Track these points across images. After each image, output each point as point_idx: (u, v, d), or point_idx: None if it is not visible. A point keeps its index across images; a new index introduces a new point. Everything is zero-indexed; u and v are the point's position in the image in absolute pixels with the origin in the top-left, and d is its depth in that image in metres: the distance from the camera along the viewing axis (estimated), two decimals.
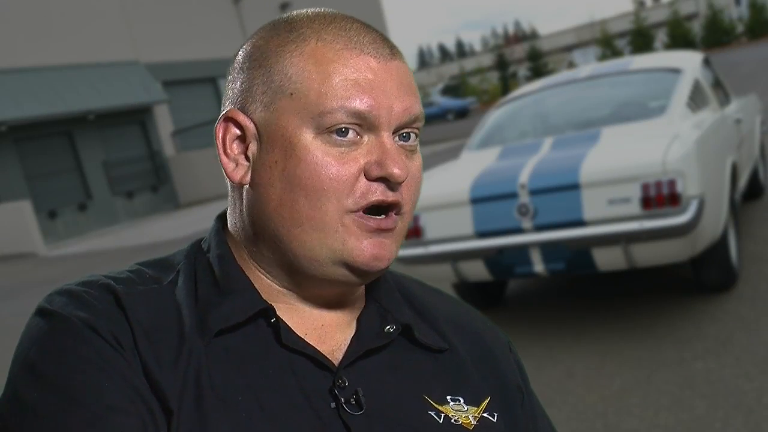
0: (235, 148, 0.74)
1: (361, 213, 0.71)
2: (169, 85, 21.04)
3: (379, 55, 0.72)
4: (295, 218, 0.70)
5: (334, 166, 0.69)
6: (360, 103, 0.69)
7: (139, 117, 20.45)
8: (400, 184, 0.71)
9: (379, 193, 0.70)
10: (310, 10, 0.76)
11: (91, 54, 19.04)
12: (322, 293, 0.76)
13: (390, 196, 0.71)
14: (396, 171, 0.70)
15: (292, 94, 0.71)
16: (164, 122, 21.29)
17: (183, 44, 21.59)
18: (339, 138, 0.70)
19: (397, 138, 0.73)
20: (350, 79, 0.70)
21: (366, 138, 0.71)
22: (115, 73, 19.33)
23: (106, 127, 19.31)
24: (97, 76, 18.83)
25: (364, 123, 0.70)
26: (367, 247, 0.71)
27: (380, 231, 0.71)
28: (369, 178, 0.70)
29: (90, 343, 0.64)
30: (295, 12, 0.76)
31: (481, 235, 3.96)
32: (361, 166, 0.70)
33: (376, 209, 0.71)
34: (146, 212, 19.99)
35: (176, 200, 21.10)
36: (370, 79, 0.71)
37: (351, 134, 0.70)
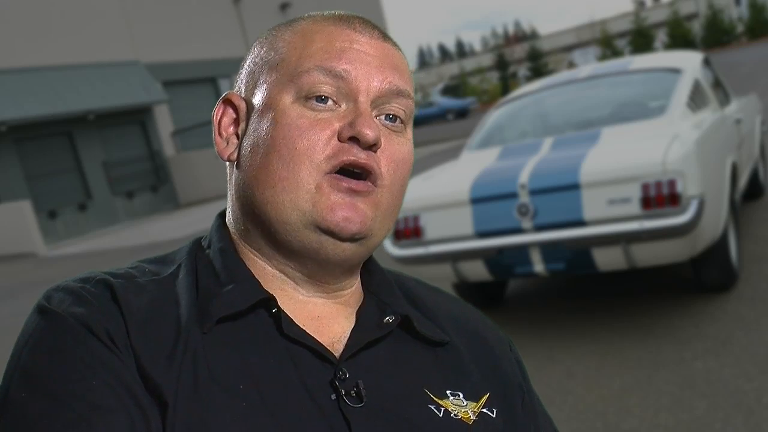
0: (231, 129, 0.77)
1: (334, 174, 0.71)
2: (169, 85, 21.03)
3: (366, 33, 0.74)
4: (268, 180, 0.71)
5: (307, 127, 0.70)
6: (338, 64, 0.71)
7: (139, 117, 20.45)
8: (372, 147, 0.71)
9: (351, 153, 0.70)
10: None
11: (91, 54, 19.03)
12: (311, 271, 0.75)
13: (362, 157, 0.70)
14: (365, 130, 0.69)
15: (277, 64, 0.73)
16: (164, 122, 21.29)
17: (183, 44, 21.59)
18: (317, 104, 0.71)
19: (382, 117, 0.74)
20: (332, 44, 0.72)
21: (344, 105, 0.72)
22: (115, 73, 19.32)
23: (106, 127, 19.30)
24: (97, 76, 18.82)
25: (342, 87, 0.71)
26: (337, 207, 0.70)
27: (352, 192, 0.71)
28: (341, 140, 0.71)
29: (82, 342, 0.64)
30: None
31: (481, 235, 3.96)
32: (335, 129, 0.71)
33: (351, 173, 0.71)
34: (146, 212, 19.98)
35: (176, 200, 21.09)
36: (352, 47, 0.72)
37: (330, 102, 0.71)
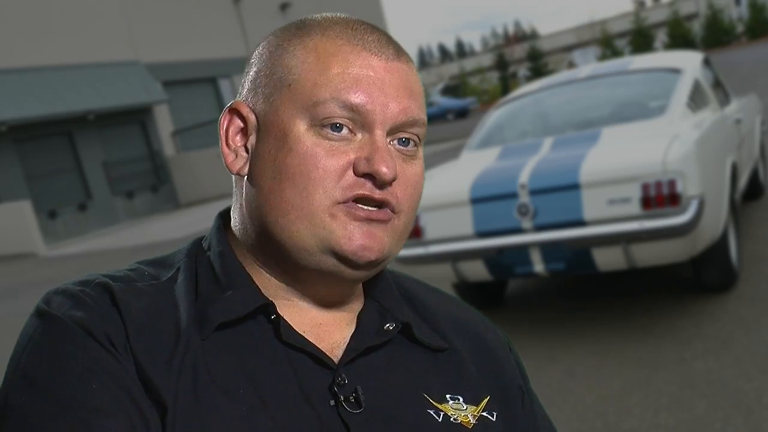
0: (238, 140, 0.75)
1: (350, 203, 0.70)
2: (169, 85, 21.03)
3: (382, 54, 0.72)
4: (282, 208, 0.70)
5: (323, 157, 0.69)
6: (354, 97, 0.69)
7: (139, 117, 20.44)
8: (388, 183, 0.70)
9: (366, 188, 0.70)
10: (324, 13, 0.77)
11: (91, 54, 19.03)
12: (320, 290, 0.75)
13: (377, 194, 0.70)
14: (383, 169, 0.68)
15: (290, 85, 0.71)
16: (164, 122, 21.29)
17: (183, 44, 21.58)
18: (332, 132, 0.70)
19: (395, 142, 0.72)
20: (347, 72, 0.70)
21: (359, 135, 0.71)
22: (115, 73, 19.32)
23: (106, 127, 19.30)
24: (97, 76, 18.82)
25: (358, 118, 0.70)
26: (355, 235, 0.70)
27: (370, 220, 0.70)
28: (357, 174, 0.70)
29: (81, 345, 0.64)
30: (310, 15, 0.77)
31: (481, 235, 3.96)
32: (350, 160, 0.70)
33: (366, 202, 0.70)
34: (146, 212, 19.98)
35: (176, 200, 21.09)
36: (368, 75, 0.70)
37: (345, 131, 0.70)
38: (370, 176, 0.69)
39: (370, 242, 0.70)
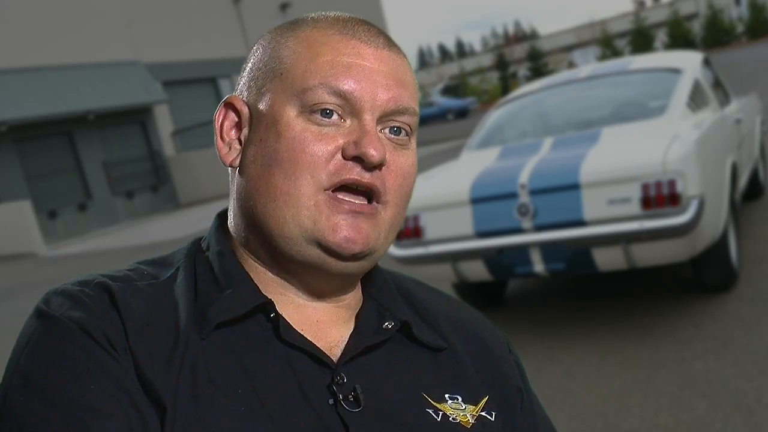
0: (233, 133, 0.77)
1: (335, 193, 0.70)
2: (169, 85, 21.04)
3: (371, 43, 0.73)
4: (270, 193, 0.71)
5: (311, 142, 0.70)
6: (343, 84, 0.70)
7: (139, 117, 20.45)
8: (376, 167, 0.70)
9: (354, 172, 0.70)
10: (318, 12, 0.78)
11: (91, 54, 19.03)
12: (311, 283, 0.75)
13: (366, 177, 0.70)
14: (371, 151, 0.69)
15: (281, 74, 0.72)
16: (164, 122, 21.29)
17: (183, 44, 21.59)
18: (321, 118, 0.70)
19: (387, 130, 0.73)
20: (337, 60, 0.71)
21: (349, 121, 0.71)
22: (115, 73, 19.32)
23: (106, 127, 19.31)
24: (97, 76, 18.82)
25: (347, 105, 0.70)
26: (340, 227, 0.70)
27: (355, 213, 0.70)
28: (345, 157, 0.70)
29: (80, 346, 0.64)
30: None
31: (481, 235, 3.96)
32: (339, 145, 0.70)
33: (353, 192, 0.71)
34: (146, 212, 19.99)
35: (176, 200, 21.09)
36: (357, 62, 0.71)
37: (335, 117, 0.71)
38: (359, 159, 0.70)
39: (355, 234, 0.70)
